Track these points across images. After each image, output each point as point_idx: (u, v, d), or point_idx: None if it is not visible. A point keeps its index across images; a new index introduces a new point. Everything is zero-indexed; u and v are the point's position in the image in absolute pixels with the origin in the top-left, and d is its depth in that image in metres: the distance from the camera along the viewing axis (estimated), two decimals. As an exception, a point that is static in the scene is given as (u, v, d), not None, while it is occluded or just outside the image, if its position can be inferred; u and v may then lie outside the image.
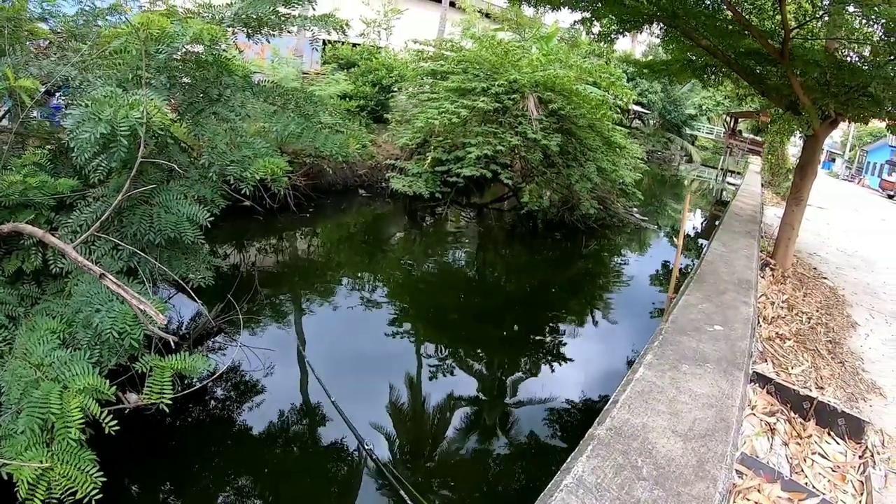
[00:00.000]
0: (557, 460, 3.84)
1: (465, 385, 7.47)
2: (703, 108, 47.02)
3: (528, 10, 18.65)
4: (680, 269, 8.81)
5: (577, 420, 6.92)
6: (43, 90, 4.69)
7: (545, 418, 6.94)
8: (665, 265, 14.34)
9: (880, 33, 7.86)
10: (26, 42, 5.40)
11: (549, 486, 3.24)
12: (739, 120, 34.64)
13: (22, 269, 4.53)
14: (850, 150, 56.97)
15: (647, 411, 4.10)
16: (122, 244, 4.49)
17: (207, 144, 4.98)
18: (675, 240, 16.72)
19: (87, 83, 4.65)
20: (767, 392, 5.29)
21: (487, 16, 24.84)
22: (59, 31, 5.73)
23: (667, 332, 5.72)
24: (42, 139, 5.55)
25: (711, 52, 9.40)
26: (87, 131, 3.83)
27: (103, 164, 4.17)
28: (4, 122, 5.55)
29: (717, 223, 14.50)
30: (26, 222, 4.41)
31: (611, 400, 4.46)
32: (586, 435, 3.83)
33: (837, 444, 4.81)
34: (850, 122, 13.52)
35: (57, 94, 5.42)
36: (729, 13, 8.36)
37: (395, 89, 17.82)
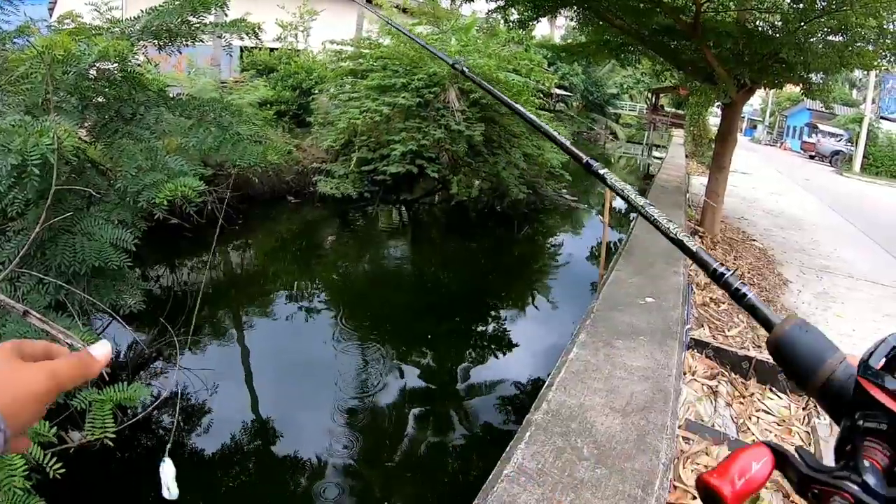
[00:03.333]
0: (504, 446, 3.86)
1: (415, 382, 7.47)
2: (625, 86, 48.18)
3: (444, 2, 18.70)
4: (610, 244, 8.98)
5: (526, 403, 6.97)
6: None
7: (496, 405, 7.01)
8: (599, 243, 14.61)
9: (789, 1, 8.17)
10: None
11: (491, 477, 3.20)
12: (660, 95, 35.60)
13: (-59, 314, 4.29)
14: (770, 116, 59.28)
15: (584, 390, 4.08)
16: (47, 277, 4.30)
17: (121, 168, 4.80)
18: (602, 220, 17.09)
19: (-5, 112, 4.42)
20: (706, 356, 5.44)
21: (405, 11, 24.62)
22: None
23: (598, 309, 5.70)
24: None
25: (626, 32, 9.62)
26: (-2, 164, 3.64)
27: (19, 196, 3.97)
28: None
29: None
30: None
31: (546, 383, 4.42)
32: (524, 421, 3.80)
33: (780, 398, 5.00)
34: (766, 89, 14.09)
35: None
36: (640, -9, 8.56)
37: (316, 91, 17.55)
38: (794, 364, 0.75)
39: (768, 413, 4.76)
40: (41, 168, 3.82)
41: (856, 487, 0.62)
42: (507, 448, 3.49)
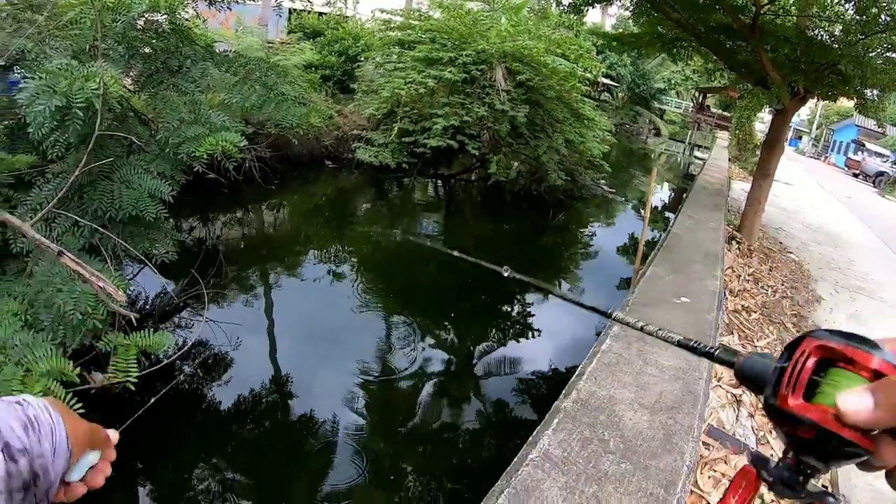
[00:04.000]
0: (526, 431, 3.87)
1: (435, 357, 7.48)
2: (672, 82, 47.04)
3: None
4: (646, 241, 8.90)
5: (543, 391, 6.98)
6: (-1, 64, 4.53)
7: (514, 389, 7.00)
8: (632, 237, 14.45)
9: (852, 12, 7.93)
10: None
11: (515, 459, 3.25)
12: (708, 95, 34.88)
13: (-22, 249, 4.40)
14: (816, 129, 57.88)
15: (614, 383, 4.11)
16: (83, 220, 4.38)
17: (163, 119, 4.85)
18: (641, 212, 16.86)
19: (43, 55, 4.47)
20: (733, 363, 5.35)
21: (455, -16, 24.45)
22: (14, 1, 5.50)
23: (633, 304, 5.76)
24: (-1, 115, 5.36)
25: (682, 26, 9.41)
26: (42, 104, 3.69)
27: (61, 140, 4.03)
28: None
29: (684, 196, 14.63)
30: (-18, 200, 4.27)
31: (577, 371, 4.47)
32: (552, 407, 3.84)
33: (803, 412, 4.89)
34: (818, 100, 13.73)
35: (14, 68, 5.22)
36: (700, -14, 8.35)
37: (362, 59, 17.52)
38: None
39: (788, 427, 4.68)
40: (85, 112, 3.88)
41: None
42: (534, 432, 3.55)
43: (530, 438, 3.48)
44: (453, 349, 7.83)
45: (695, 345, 0.95)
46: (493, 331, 8.58)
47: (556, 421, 3.54)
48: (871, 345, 0.70)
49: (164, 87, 5.18)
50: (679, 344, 1.00)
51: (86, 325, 3.74)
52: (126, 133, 4.71)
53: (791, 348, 0.75)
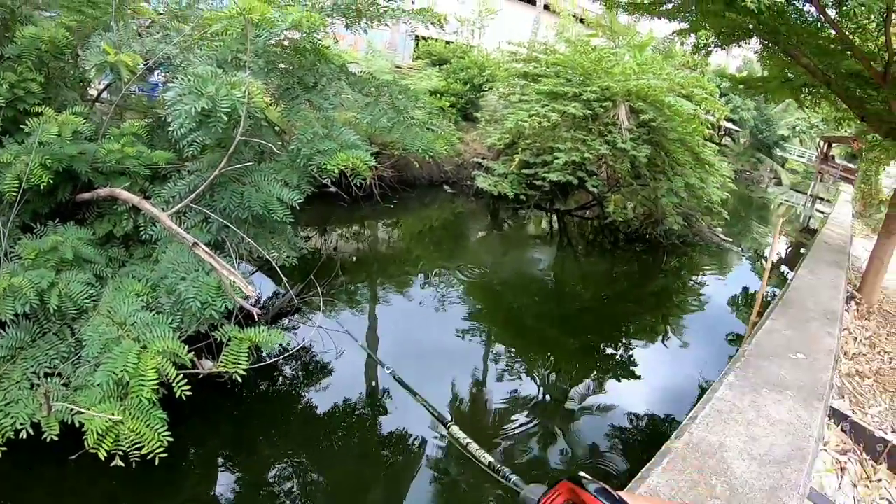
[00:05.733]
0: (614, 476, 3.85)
1: (530, 388, 7.42)
2: (797, 129, 44.74)
3: (623, 18, 18.37)
4: (764, 297, 8.53)
5: (637, 438, 6.75)
6: (144, 67, 4.94)
7: (606, 433, 6.81)
8: (745, 290, 13.78)
9: None
10: (130, 20, 5.70)
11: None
12: (833, 145, 32.97)
13: (112, 232, 4.83)
14: (952, 187, 53.42)
15: (725, 431, 4.12)
16: (214, 216, 4.69)
17: (299, 131, 5.12)
18: (758, 264, 16.09)
19: (187, 62, 4.85)
20: (842, 429, 5.10)
21: (581, 21, 24.50)
22: (161, 11, 6.00)
23: (749, 355, 5.66)
24: (140, 113, 5.85)
25: (811, 72, 9.00)
26: (188, 103, 4.01)
27: (198, 140, 4.34)
28: (105, 95, 5.89)
29: (802, 251, 13.91)
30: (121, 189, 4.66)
31: (689, 415, 4.51)
32: (663, 447, 3.89)
33: (908, 491, 4.58)
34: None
35: (156, 72, 5.68)
36: (831, 32, 7.99)
37: (486, 89, 17.84)
38: None
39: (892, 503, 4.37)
40: (228, 116, 4.18)
41: None
42: (644, 468, 3.63)
43: (639, 474, 3.54)
44: (550, 382, 7.73)
45: (501, 468, 1.34)
46: (593, 370, 8.38)
47: (666, 460, 3.59)
48: (612, 500, 0.86)
49: (299, 101, 5.49)
50: (489, 465, 1.35)
51: (204, 314, 3.99)
52: (261, 141, 5.00)
53: (552, 485, 0.92)
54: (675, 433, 4.07)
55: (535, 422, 6.78)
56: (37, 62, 4.78)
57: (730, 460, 3.72)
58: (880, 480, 4.61)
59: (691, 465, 3.59)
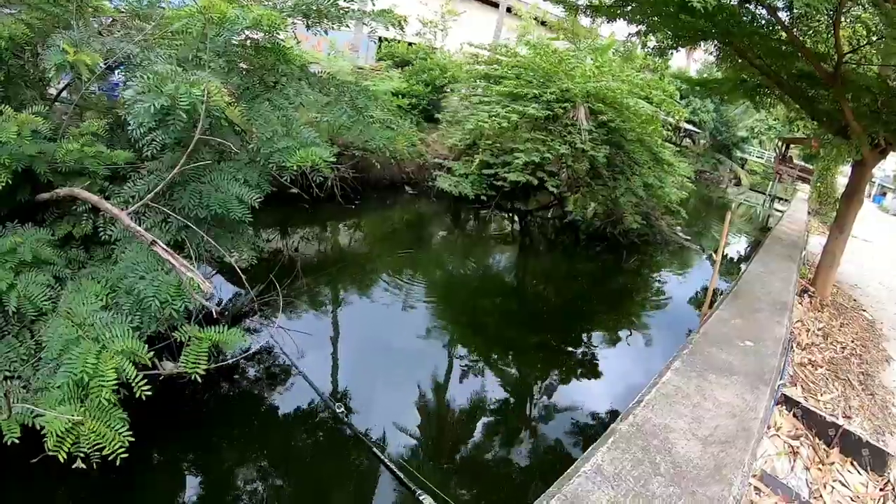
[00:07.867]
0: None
1: (493, 389, 7.48)
2: (755, 130, 45.73)
3: (584, 21, 18.59)
4: (716, 290, 8.74)
5: (599, 431, 6.86)
6: (104, 66, 4.88)
7: (567, 430, 6.91)
8: (705, 288, 14.06)
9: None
10: (91, 18, 5.61)
11: (569, 471, 3.43)
12: (791, 146, 33.75)
13: (72, 233, 4.76)
14: (902, 184, 55.19)
15: (670, 413, 4.24)
16: (174, 216, 4.66)
17: (258, 130, 5.11)
18: (714, 256, 16.42)
19: (147, 61, 4.81)
20: (794, 415, 5.28)
21: (543, 24, 24.75)
22: (122, 10, 5.93)
23: (697, 343, 5.84)
24: (100, 112, 5.76)
25: (764, 73, 9.30)
26: (147, 101, 3.98)
27: (158, 139, 4.32)
28: (64, 94, 5.79)
29: (758, 246, 14.27)
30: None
31: (635, 399, 4.62)
32: (608, 429, 4.01)
33: (860, 474, 4.77)
34: (900, 153, 13.21)
35: (117, 71, 5.61)
36: (783, 34, 8.25)
37: (448, 90, 17.92)
38: None
39: (845, 486, 4.53)
40: (188, 115, 4.15)
41: None
42: (589, 448, 3.74)
43: (584, 453, 3.64)
44: (512, 381, 7.81)
45: None
46: (553, 367, 8.49)
47: (610, 440, 3.69)
48: None
49: (259, 100, 5.47)
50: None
51: (163, 313, 3.96)
52: (220, 140, 4.97)
53: None
54: (620, 415, 4.21)
55: (496, 419, 6.86)
56: (-4, 59, 4.70)
57: (674, 440, 3.84)
58: (833, 463, 4.79)
59: (635, 444, 3.70)
